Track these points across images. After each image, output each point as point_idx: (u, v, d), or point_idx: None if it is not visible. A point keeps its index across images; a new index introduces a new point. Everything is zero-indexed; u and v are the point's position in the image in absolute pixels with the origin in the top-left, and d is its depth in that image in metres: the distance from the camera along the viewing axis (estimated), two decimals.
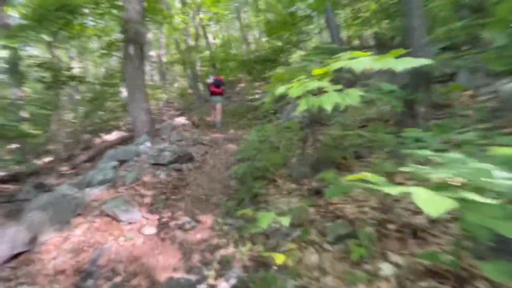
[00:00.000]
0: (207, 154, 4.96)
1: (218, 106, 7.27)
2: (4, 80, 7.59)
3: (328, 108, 1.10)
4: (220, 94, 7.15)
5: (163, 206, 2.51)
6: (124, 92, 9.72)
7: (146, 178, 3.09)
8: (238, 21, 19.86)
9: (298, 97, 1.41)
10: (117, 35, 9.38)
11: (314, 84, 1.25)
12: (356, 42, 11.68)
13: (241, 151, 3.87)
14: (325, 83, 1.25)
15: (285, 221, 1.44)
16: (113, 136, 9.97)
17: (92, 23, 7.10)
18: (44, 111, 5.72)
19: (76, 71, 19.95)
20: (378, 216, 1.80)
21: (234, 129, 7.83)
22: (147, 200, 2.54)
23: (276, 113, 7.89)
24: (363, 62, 1.08)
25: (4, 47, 6.72)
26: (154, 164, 3.53)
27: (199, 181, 3.40)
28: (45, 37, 5.23)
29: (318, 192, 2.29)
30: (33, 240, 1.81)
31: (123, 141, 7.90)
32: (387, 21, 8.10)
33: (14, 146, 6.10)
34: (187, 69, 13.95)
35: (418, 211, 1.81)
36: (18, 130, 5.20)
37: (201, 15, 13.44)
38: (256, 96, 13.25)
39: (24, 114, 5.80)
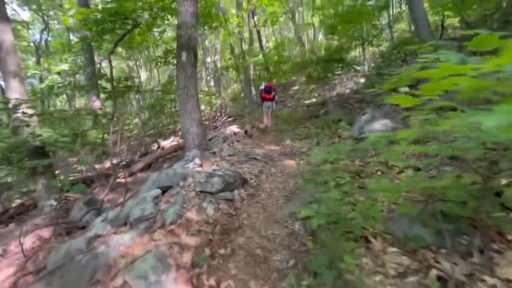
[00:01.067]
0: (262, 174, 4.21)
1: (269, 111, 7.44)
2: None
3: None
4: (271, 100, 7.26)
5: (206, 270, 1.82)
6: None
7: (191, 214, 2.48)
8: (292, 22, 19.09)
9: None
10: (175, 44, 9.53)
11: None
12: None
13: (306, 182, 2.99)
14: None
15: None
16: (170, 141, 10.15)
17: (151, 32, 7.12)
18: (105, 120, 5.82)
19: (143, 79, 21.83)
20: None
21: (291, 139, 6.97)
22: (187, 257, 1.87)
23: (341, 121, 6.71)
24: None
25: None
26: (201, 192, 2.93)
27: (254, 220, 2.65)
28: (106, 49, 5.27)
29: None
30: None
31: (177, 149, 7.80)
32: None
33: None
34: (240, 74, 13.77)
35: None
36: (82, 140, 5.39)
37: (256, 18, 13.05)
38: (313, 100, 12.21)
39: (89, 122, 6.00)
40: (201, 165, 4.23)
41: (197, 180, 2.98)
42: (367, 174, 2.80)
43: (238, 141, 6.59)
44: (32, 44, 16.17)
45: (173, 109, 11.39)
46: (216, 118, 11.80)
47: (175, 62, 7.88)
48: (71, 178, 6.18)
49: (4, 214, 5.83)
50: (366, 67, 10.23)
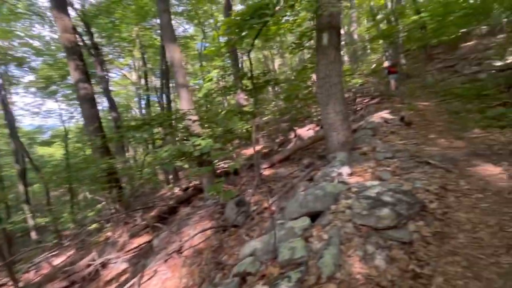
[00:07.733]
0: (447, 192, 2.87)
1: (394, 81, 9.39)
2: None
3: None
4: (395, 72, 9.41)
5: None
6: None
7: (355, 268, 1.82)
8: None
9: None
10: (309, 24, 8.76)
11: None
12: None
13: None
14: None
15: None
16: (306, 130, 9.79)
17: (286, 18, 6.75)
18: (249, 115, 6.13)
19: (276, 65, 22.66)
20: None
21: (480, 127, 4.72)
22: None
23: None
24: None
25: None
26: (361, 226, 2.19)
27: None
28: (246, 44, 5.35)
29: None
30: None
31: (315, 141, 7.29)
32: None
33: None
34: (386, 42, 11.32)
35: None
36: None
37: None
38: (509, 60, 8.19)
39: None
40: (351, 174, 3.43)
41: (355, 210, 2.24)
42: None
43: (393, 132, 5.16)
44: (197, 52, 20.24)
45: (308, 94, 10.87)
46: (355, 100, 10.25)
47: (309, 45, 7.23)
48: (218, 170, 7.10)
49: (185, 190, 7.56)
50: None
